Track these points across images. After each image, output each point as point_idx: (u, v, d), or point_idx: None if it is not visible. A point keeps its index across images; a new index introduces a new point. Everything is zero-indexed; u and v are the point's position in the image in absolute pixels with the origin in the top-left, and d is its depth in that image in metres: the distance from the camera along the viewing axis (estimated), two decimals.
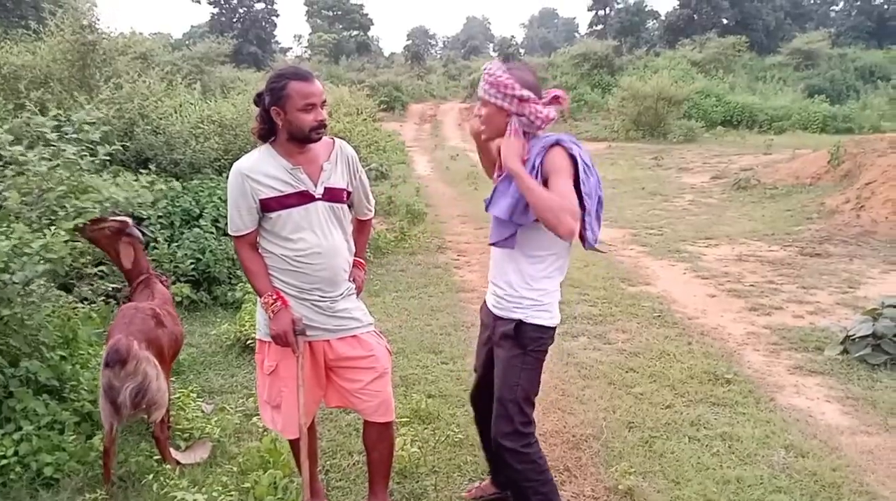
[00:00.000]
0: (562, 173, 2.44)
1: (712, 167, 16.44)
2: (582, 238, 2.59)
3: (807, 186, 12.20)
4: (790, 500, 3.21)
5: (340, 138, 2.85)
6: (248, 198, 2.60)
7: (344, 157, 2.76)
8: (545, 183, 2.45)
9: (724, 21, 48.26)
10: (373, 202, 3.01)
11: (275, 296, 2.65)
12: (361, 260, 2.93)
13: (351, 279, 2.81)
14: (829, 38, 38.38)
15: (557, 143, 2.50)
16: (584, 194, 2.48)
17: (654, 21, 58.67)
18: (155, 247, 5.81)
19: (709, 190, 13.65)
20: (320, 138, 2.63)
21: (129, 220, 3.76)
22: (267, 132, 2.63)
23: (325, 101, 2.60)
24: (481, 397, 3.01)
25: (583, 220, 2.52)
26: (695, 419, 4.04)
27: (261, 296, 2.68)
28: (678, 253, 8.58)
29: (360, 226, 3.01)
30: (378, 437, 2.90)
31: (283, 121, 2.57)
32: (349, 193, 2.79)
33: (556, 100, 2.56)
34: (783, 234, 9.39)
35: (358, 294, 2.87)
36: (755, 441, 3.77)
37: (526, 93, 2.49)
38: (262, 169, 2.60)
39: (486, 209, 2.69)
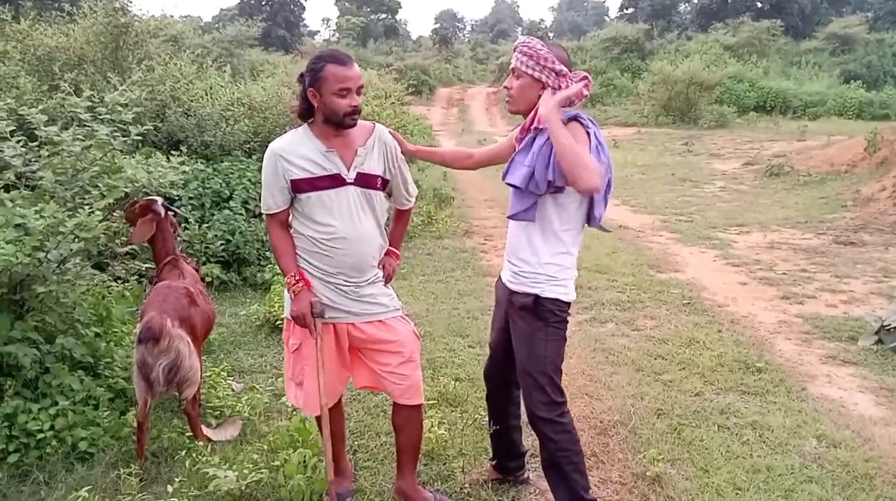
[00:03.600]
0: (580, 145, 2.46)
1: (744, 153, 16.20)
2: (589, 217, 2.63)
3: (841, 174, 11.97)
4: (821, 490, 3.17)
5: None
6: (280, 177, 2.61)
7: (381, 144, 2.73)
8: None
9: (759, 4, 47.25)
10: (414, 192, 2.98)
11: (297, 277, 2.67)
12: (395, 250, 2.94)
13: (380, 266, 2.82)
14: (867, 22, 37.53)
15: (575, 118, 2.54)
16: None
17: (686, 4, 57.73)
18: (186, 228, 5.88)
19: (740, 176, 13.45)
20: (354, 124, 2.61)
21: (158, 199, 3.79)
22: (306, 111, 2.63)
23: (361, 87, 2.59)
24: (495, 371, 3.03)
25: (591, 198, 2.55)
26: (724, 407, 4.00)
27: (285, 276, 2.71)
28: (708, 239, 8.48)
29: (399, 216, 3.01)
30: (406, 420, 2.91)
31: (318, 104, 2.56)
32: (385, 181, 2.76)
33: (584, 80, 2.59)
34: (816, 222, 9.23)
35: (387, 282, 2.86)
36: (786, 431, 3.72)
37: (563, 68, 2.54)
38: (296, 149, 2.61)
39: (503, 178, 2.69)
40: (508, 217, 2.72)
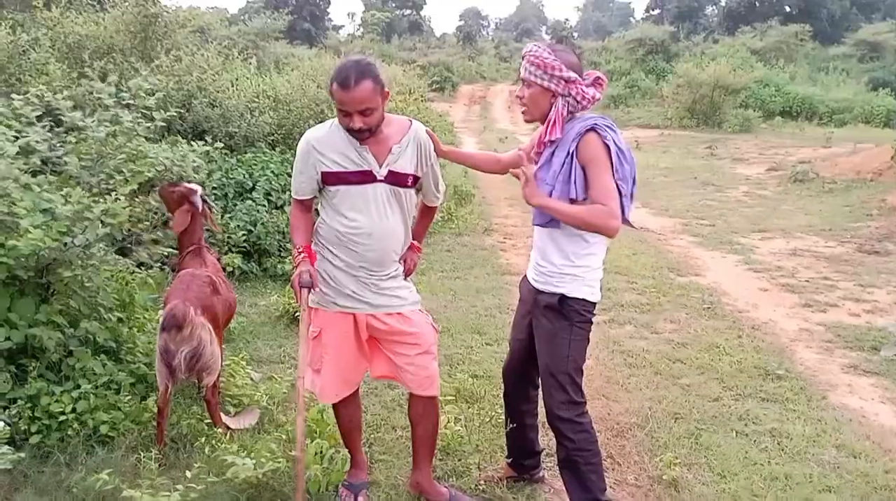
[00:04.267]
0: (599, 164, 2.48)
1: (768, 158, 16.03)
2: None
3: (867, 182, 11.81)
4: (840, 500, 3.14)
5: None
6: (311, 167, 2.64)
7: (416, 142, 2.73)
8: (583, 171, 2.50)
9: (787, 9, 46.70)
10: (443, 189, 2.99)
11: (301, 250, 2.73)
12: (418, 244, 2.95)
13: (401, 261, 2.83)
14: None
15: (592, 129, 2.50)
16: (618, 180, 2.50)
17: (714, 7, 57.19)
18: (225, 222, 5.93)
19: (764, 181, 13.31)
20: (364, 139, 2.60)
21: (199, 189, 3.81)
22: None
23: (367, 109, 2.50)
24: (514, 369, 3.03)
25: (625, 196, 2.55)
26: (743, 413, 3.97)
27: (294, 249, 2.76)
28: (730, 244, 8.41)
29: (426, 211, 3.03)
30: (423, 411, 2.92)
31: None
32: (416, 178, 2.77)
33: (597, 81, 2.60)
34: (841, 230, 9.12)
35: (407, 276, 2.88)
36: (805, 439, 3.69)
37: (572, 74, 2.52)
38: (330, 142, 2.62)
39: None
40: (534, 224, 2.74)
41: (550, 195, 2.56)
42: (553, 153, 2.59)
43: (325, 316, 2.79)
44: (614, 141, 2.50)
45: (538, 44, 2.61)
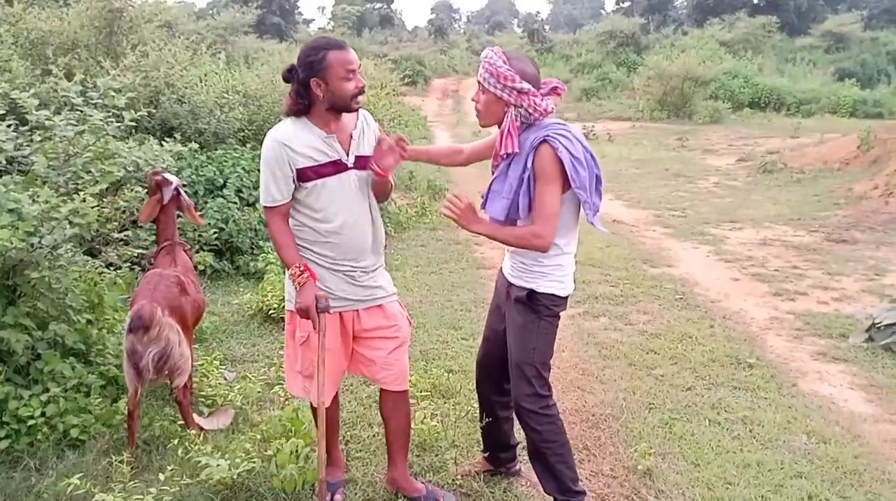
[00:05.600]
0: (544, 179, 2.50)
1: (738, 149, 16.22)
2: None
3: (834, 171, 12.02)
4: (811, 486, 3.19)
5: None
6: (286, 166, 2.58)
7: (370, 127, 2.77)
8: (535, 183, 2.52)
9: (755, 1, 47.23)
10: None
11: (302, 268, 2.62)
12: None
13: (383, 250, 2.83)
14: (862, 20, 37.53)
15: (545, 141, 2.50)
16: (576, 190, 2.50)
17: None
18: (179, 216, 5.83)
19: (734, 172, 13.48)
20: (359, 106, 2.64)
21: (175, 181, 3.77)
22: (302, 107, 2.60)
23: (360, 67, 2.60)
24: (487, 361, 3.05)
25: (585, 202, 2.57)
26: (716, 402, 4.02)
27: (289, 268, 2.66)
28: (701, 235, 8.50)
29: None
30: (394, 406, 2.92)
31: (324, 92, 2.55)
32: None
33: (554, 90, 2.60)
34: (809, 219, 9.26)
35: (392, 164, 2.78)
36: (776, 426, 3.74)
37: (526, 85, 2.50)
38: (298, 138, 2.59)
39: (482, 207, 2.75)
40: (491, 221, 2.74)
41: (509, 207, 2.59)
42: (509, 165, 2.61)
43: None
44: (568, 150, 2.48)
45: (495, 50, 2.58)
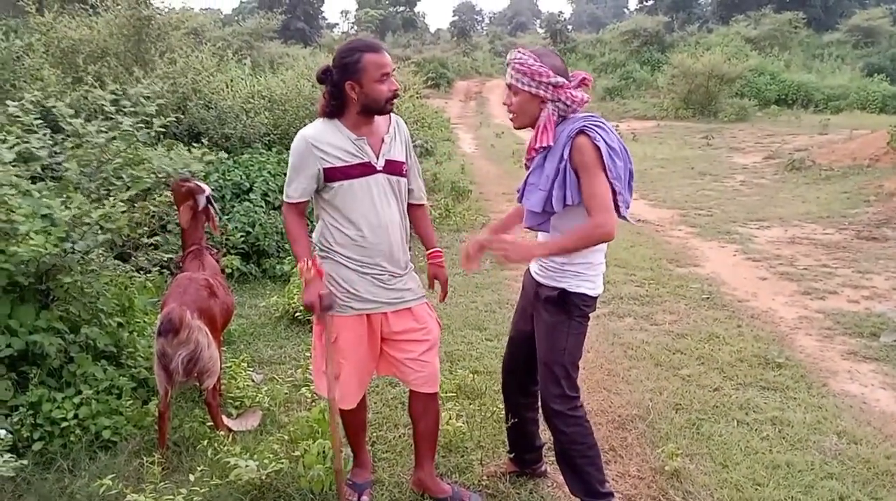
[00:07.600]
0: (590, 169, 2.48)
1: (765, 147, 16.03)
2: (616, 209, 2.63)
3: (864, 168, 11.81)
4: (842, 487, 3.15)
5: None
6: (312, 165, 2.61)
7: (401, 132, 2.79)
8: (576, 176, 2.50)
9: None
10: (423, 186, 2.99)
11: (310, 264, 2.64)
12: (439, 250, 3.00)
13: (406, 253, 2.84)
14: (890, 14, 36.78)
15: (582, 132, 2.50)
16: (612, 180, 2.50)
17: None
18: (226, 224, 5.93)
19: (761, 170, 13.31)
20: (392, 108, 2.67)
21: (207, 190, 3.82)
22: (335, 108, 2.63)
23: (394, 70, 2.63)
24: (512, 358, 3.05)
25: (619, 195, 2.55)
26: (744, 402, 3.98)
27: (298, 262, 2.70)
28: (728, 234, 8.41)
29: (419, 214, 2.97)
30: (424, 408, 2.93)
31: (358, 94, 2.57)
32: (407, 168, 2.81)
33: (583, 82, 2.59)
34: (838, 217, 9.12)
35: (444, 298, 3.08)
36: (806, 427, 3.70)
37: (560, 79, 2.52)
38: (328, 138, 2.62)
39: (519, 201, 2.75)
40: (525, 228, 2.78)
41: (546, 199, 2.56)
42: (545, 158, 2.60)
43: (339, 320, 2.74)
44: (605, 140, 2.49)
45: (523, 50, 2.60)
